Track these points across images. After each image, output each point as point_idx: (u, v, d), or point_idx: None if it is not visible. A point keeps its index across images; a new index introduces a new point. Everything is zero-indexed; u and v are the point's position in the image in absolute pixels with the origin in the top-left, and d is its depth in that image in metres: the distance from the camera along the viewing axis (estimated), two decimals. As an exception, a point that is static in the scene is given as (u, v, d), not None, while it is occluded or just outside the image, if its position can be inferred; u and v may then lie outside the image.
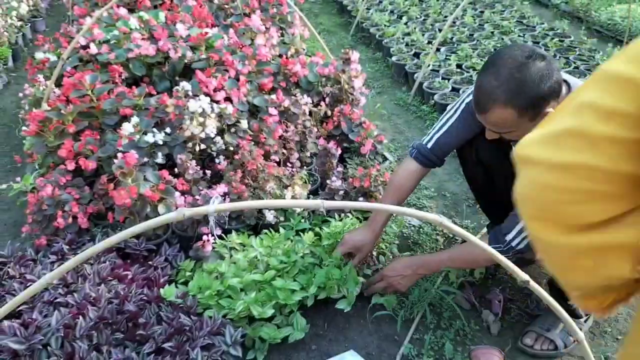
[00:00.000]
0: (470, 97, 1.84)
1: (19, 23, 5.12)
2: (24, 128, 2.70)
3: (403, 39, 4.57)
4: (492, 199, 2.21)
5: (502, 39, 4.49)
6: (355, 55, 3.04)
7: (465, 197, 2.75)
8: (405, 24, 4.93)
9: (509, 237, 1.76)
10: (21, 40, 5.03)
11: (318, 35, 3.58)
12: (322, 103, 3.04)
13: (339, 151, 2.64)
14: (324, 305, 2.08)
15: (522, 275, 1.29)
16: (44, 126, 2.66)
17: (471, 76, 3.77)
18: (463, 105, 1.95)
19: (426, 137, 2.05)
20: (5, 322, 1.71)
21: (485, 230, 2.47)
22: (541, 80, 1.53)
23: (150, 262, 2.19)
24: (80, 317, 1.76)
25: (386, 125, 3.53)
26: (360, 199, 2.44)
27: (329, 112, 3.01)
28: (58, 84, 3.09)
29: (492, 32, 4.63)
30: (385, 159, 2.88)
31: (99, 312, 1.81)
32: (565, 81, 1.65)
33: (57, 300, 1.88)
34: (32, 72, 3.42)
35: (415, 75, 3.87)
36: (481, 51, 4.21)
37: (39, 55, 3.47)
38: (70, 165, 2.44)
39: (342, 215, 2.39)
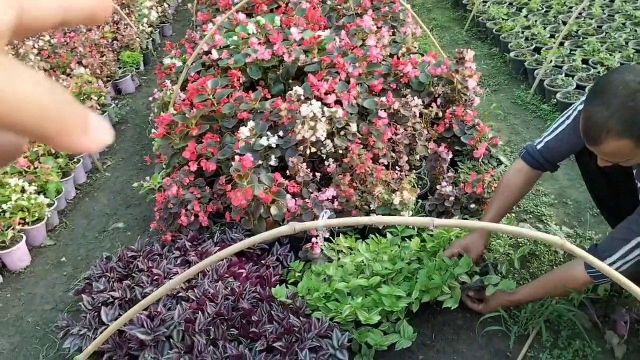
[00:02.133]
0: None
1: (149, 29, 5.56)
2: (153, 130, 2.93)
3: (522, 33, 4.32)
4: (617, 210, 2.03)
5: (636, 30, 4.08)
6: (469, 54, 2.94)
7: (589, 206, 2.55)
8: (525, 16, 4.66)
9: (609, 260, 1.62)
10: (151, 45, 5.46)
11: (430, 33, 3.50)
12: (434, 104, 2.98)
13: (450, 155, 2.57)
14: (432, 315, 2.05)
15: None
16: (170, 129, 2.88)
17: (598, 72, 3.47)
18: (576, 113, 1.82)
19: (538, 139, 1.96)
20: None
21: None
22: None
23: (263, 261, 2.29)
24: (200, 312, 1.89)
25: (502, 126, 3.37)
26: (472, 205, 2.36)
27: (440, 114, 2.94)
28: (183, 88, 3.33)
29: (624, 24, 4.22)
30: (500, 162, 2.76)
31: (216, 308, 1.93)
32: None
33: (180, 294, 2.04)
34: (161, 77, 3.71)
35: (536, 72, 3.65)
36: (610, 45, 3.86)
37: (167, 61, 3.75)
38: (193, 167, 2.61)
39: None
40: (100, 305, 2.07)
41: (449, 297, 1.98)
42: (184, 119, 2.85)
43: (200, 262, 1.18)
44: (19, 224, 2.69)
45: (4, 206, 2.66)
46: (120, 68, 4.72)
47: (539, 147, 1.93)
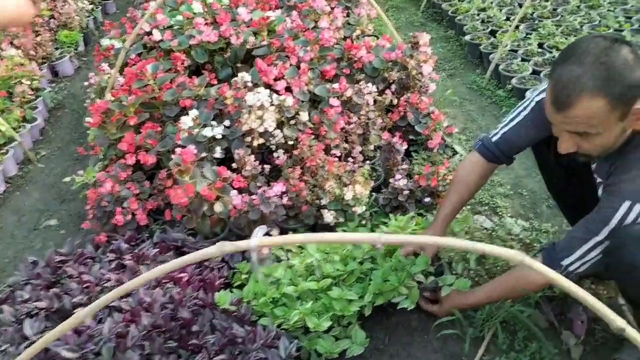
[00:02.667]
0: (542, 96, 1.63)
1: (90, 6, 5.21)
2: (87, 119, 2.70)
3: (478, 15, 4.23)
4: (575, 204, 1.97)
5: (589, 14, 4.05)
6: (424, 39, 2.82)
7: (545, 196, 2.50)
8: (481, -3, 4.58)
9: (566, 261, 1.55)
10: (92, 24, 5.13)
11: (384, 15, 3.36)
12: (388, 91, 2.85)
13: (405, 146, 2.46)
14: (385, 317, 1.95)
15: (617, 321, 1.10)
16: (107, 117, 2.66)
17: (554, 56, 3.42)
18: (533, 104, 1.74)
19: (494, 130, 1.87)
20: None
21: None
22: (634, 65, 1.30)
23: (206, 263, 2.14)
24: (133, 325, 1.72)
25: (457, 112, 3.28)
26: (427, 199, 2.27)
27: (395, 101, 2.82)
28: (123, 71, 3.10)
29: (578, 7, 4.19)
30: (455, 152, 2.67)
31: (153, 318, 1.77)
32: None
33: (112, 304, 1.86)
34: (99, 60, 3.44)
35: (491, 56, 3.57)
36: (565, 28, 3.82)
37: (105, 42, 3.48)
38: (131, 160, 2.41)
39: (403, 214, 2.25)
40: (23, 317, 1.88)
41: (405, 298, 1.88)
42: (121, 107, 2.63)
43: (121, 287, 1.02)
44: (-63, 224, 2.45)
45: None
46: (57, 49, 4.39)
47: (494, 139, 1.85)
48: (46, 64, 4.19)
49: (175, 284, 1.99)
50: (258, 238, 0.95)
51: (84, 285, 1.96)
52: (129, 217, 2.24)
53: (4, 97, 3.26)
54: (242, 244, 0.95)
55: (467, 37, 3.92)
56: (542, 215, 2.40)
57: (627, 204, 1.43)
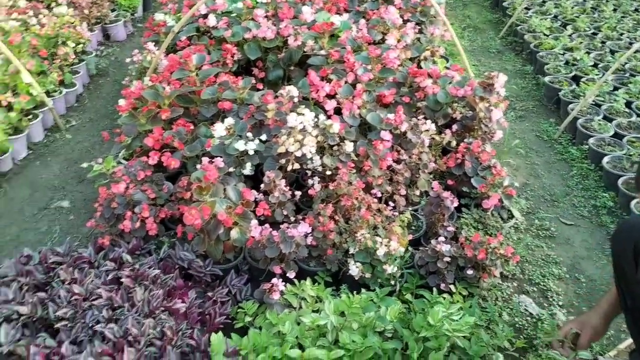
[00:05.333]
0: None
1: (158, -29, 5.04)
2: (120, 101, 2.50)
3: (563, 54, 3.83)
4: None
5: (692, 76, 3.59)
6: (500, 81, 2.49)
7: (605, 288, 2.17)
8: (570, 36, 4.15)
9: None
10: (157, -11, 4.96)
11: (461, 47, 3.04)
12: (448, 130, 2.56)
13: (455, 203, 2.16)
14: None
15: None
16: (139, 105, 2.46)
17: (641, 120, 3.03)
18: None
19: None
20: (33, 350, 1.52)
21: (625, 345, 1.91)
22: None
23: (210, 294, 1.92)
24: (111, 364, 1.52)
25: (520, 163, 2.94)
26: (470, 272, 1.97)
27: (454, 143, 2.52)
28: (173, 51, 2.90)
29: (679, 66, 3.74)
30: (511, 216, 2.36)
31: (135, 355, 1.56)
32: None
33: (99, 325, 1.66)
34: (147, 35, 3.25)
35: (570, 106, 3.19)
36: (660, 89, 3.40)
37: (159, 16, 3.28)
38: (153, 159, 2.21)
39: (442, 286, 1.96)
40: (1, 320, 1.71)
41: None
42: (156, 97, 2.42)
43: None
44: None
45: None
46: (113, 11, 4.23)
47: None
48: (99, 25, 4.03)
49: (170, 315, 1.77)
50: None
51: (72, 297, 1.76)
52: (138, 224, 2.03)
53: (44, 57, 3.10)
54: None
55: (547, 79, 3.54)
56: (598, 312, 2.07)
57: None
